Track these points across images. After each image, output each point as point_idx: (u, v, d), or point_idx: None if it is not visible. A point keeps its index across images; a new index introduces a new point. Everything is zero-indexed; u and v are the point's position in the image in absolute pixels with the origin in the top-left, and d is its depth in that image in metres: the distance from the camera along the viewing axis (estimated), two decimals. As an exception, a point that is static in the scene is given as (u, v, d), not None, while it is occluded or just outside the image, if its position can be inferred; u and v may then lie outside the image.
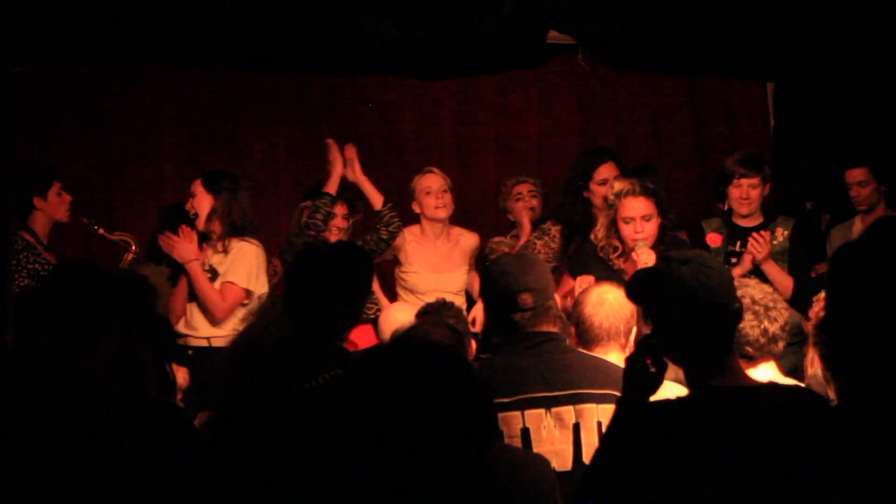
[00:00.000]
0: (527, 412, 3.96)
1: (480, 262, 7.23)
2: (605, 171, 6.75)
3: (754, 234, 6.45)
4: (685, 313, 3.23)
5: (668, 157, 8.74)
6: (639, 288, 3.40)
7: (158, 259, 7.24)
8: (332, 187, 6.91)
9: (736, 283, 3.51)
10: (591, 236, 6.29)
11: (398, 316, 4.75)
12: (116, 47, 7.57)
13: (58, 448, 3.27)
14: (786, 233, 6.62)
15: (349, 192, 7.01)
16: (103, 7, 6.84)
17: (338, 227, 6.86)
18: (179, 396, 5.30)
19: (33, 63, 7.50)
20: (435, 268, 7.15)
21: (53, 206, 6.87)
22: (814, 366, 4.24)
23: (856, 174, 7.57)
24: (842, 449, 2.32)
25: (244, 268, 6.57)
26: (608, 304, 4.48)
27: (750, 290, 4.12)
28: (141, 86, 8.16)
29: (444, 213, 7.13)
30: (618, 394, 3.90)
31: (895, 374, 2.25)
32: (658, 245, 6.05)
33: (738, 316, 3.34)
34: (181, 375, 5.47)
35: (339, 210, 6.94)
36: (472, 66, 8.34)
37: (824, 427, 2.46)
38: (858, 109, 8.08)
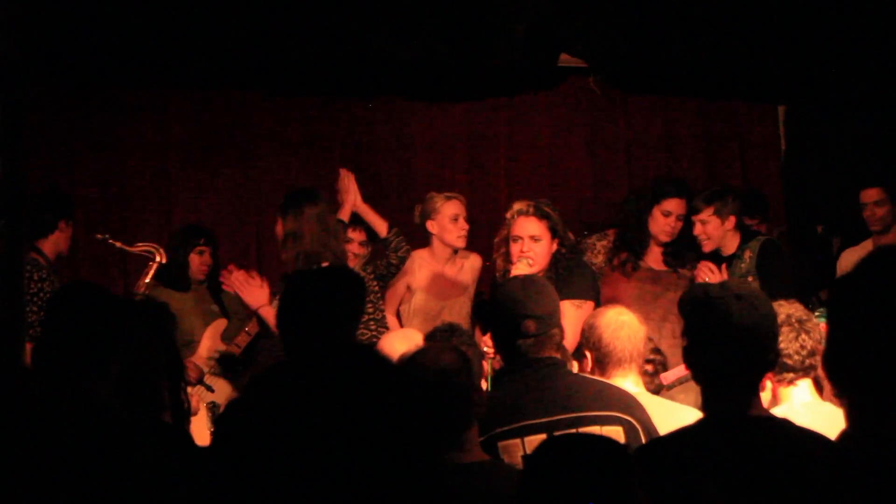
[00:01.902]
0: (527, 439, 3.93)
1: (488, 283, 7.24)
2: (674, 204, 6.78)
3: (701, 265, 6.60)
4: (720, 344, 3.30)
5: (679, 179, 8.74)
6: (689, 304, 3.44)
7: (173, 283, 7.22)
8: (344, 215, 6.91)
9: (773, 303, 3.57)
10: (491, 262, 6.39)
11: (396, 345, 4.75)
12: (131, 69, 7.61)
13: (58, 470, 3.29)
14: (751, 254, 6.73)
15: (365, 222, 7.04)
16: (118, 30, 6.88)
17: (354, 254, 6.85)
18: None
19: (49, 85, 7.55)
20: (442, 293, 7.15)
21: (66, 234, 6.89)
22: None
23: (871, 194, 7.56)
24: (847, 482, 2.33)
25: None
26: (627, 326, 4.53)
27: (784, 307, 4.16)
28: (155, 108, 8.19)
29: (463, 243, 7.15)
30: (621, 415, 3.95)
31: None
32: (552, 270, 6.06)
33: (770, 364, 3.42)
34: (193, 399, 5.49)
35: (357, 236, 6.96)
36: (484, 90, 8.36)
37: (829, 466, 2.48)
38: (870, 132, 8.08)
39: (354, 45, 7.24)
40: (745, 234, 6.90)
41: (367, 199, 7.72)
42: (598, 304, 6.06)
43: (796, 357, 4.18)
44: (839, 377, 2.39)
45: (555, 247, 6.14)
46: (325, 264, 6.26)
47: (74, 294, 3.80)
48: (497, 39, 7.33)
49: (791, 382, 4.22)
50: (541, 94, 8.60)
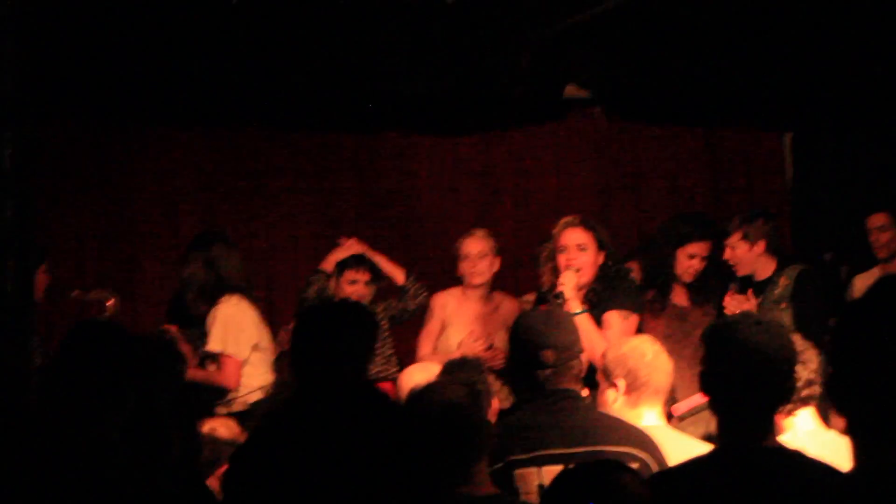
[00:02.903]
0: (543, 468, 3.93)
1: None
2: (698, 247, 6.80)
3: (729, 301, 6.59)
4: (737, 370, 3.29)
5: (686, 209, 8.73)
6: (709, 331, 3.46)
7: (178, 318, 7.25)
8: (327, 264, 7.09)
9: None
10: (538, 281, 6.42)
11: (415, 376, 4.76)
12: (139, 107, 7.67)
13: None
14: (787, 281, 6.73)
15: (370, 260, 7.09)
16: (126, 68, 6.93)
17: (358, 294, 6.87)
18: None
19: (56, 122, 7.58)
20: (474, 331, 7.12)
21: (41, 283, 6.78)
22: None
23: (876, 219, 7.53)
24: None
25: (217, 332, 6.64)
26: (662, 357, 4.54)
27: None
28: (162, 143, 8.20)
29: (478, 280, 7.02)
30: (636, 452, 3.94)
31: None
32: (599, 282, 6.10)
33: (787, 394, 3.41)
34: (231, 427, 5.49)
35: (361, 277, 7.01)
36: (490, 122, 8.39)
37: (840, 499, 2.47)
38: (876, 159, 8.08)
39: (361, 80, 7.28)
40: (783, 260, 6.89)
41: (374, 232, 7.76)
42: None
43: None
44: (843, 404, 2.39)
45: (601, 259, 6.15)
46: (224, 298, 6.61)
47: (88, 332, 3.80)
48: (502, 72, 7.36)
49: (789, 413, 4.22)
50: (547, 125, 8.62)
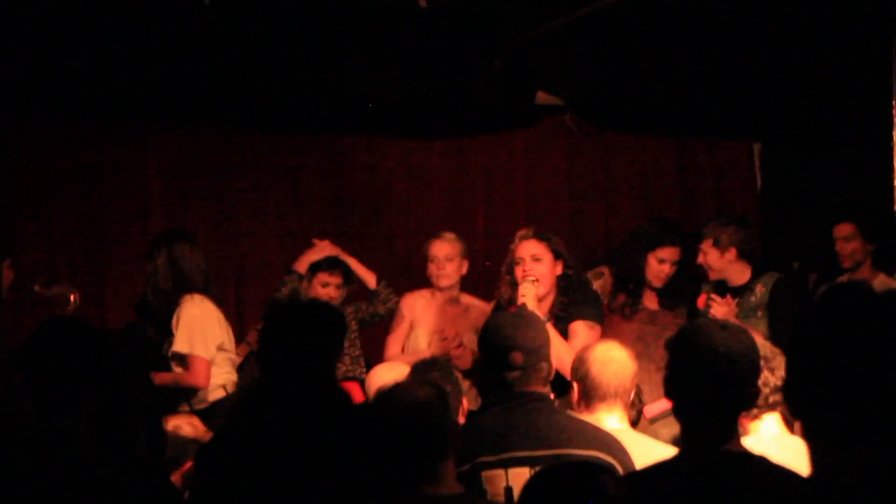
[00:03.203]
0: (510, 470, 3.94)
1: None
2: (668, 252, 6.89)
3: (712, 296, 6.68)
4: (701, 372, 3.31)
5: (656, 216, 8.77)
6: (674, 336, 3.47)
7: (148, 318, 7.26)
8: (300, 265, 7.12)
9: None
10: (496, 293, 6.47)
11: (383, 375, 4.77)
12: (108, 106, 7.65)
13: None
14: (763, 289, 6.80)
15: (343, 263, 7.12)
16: (97, 67, 6.92)
17: (329, 297, 6.91)
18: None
19: (23, 121, 7.56)
20: (441, 332, 7.14)
21: (5, 278, 6.73)
22: None
23: (842, 229, 7.56)
24: None
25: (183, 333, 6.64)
26: (616, 362, 4.54)
27: None
28: (131, 143, 8.17)
29: (444, 283, 7.08)
30: (603, 456, 3.96)
31: (852, 437, 2.28)
32: (562, 293, 6.18)
33: (750, 399, 3.42)
34: (195, 425, 5.49)
35: (333, 280, 7.06)
36: (461, 127, 8.41)
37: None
38: (845, 169, 8.13)
39: (333, 82, 7.29)
40: (758, 267, 6.95)
41: (345, 234, 7.77)
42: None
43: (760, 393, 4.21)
44: (798, 408, 2.42)
45: (559, 269, 6.23)
46: (186, 297, 6.63)
47: (55, 328, 3.79)
48: (474, 78, 7.39)
49: (756, 417, 4.26)
50: (518, 131, 8.64)
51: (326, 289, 7.03)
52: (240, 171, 8.37)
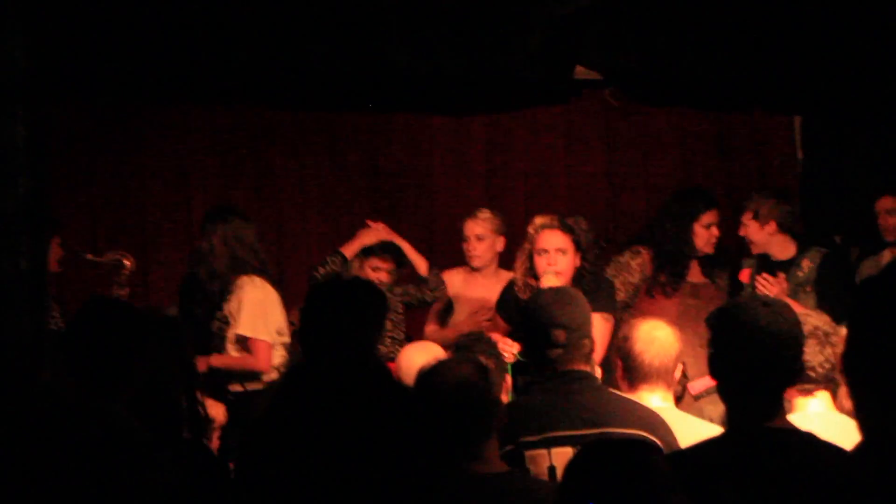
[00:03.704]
0: (553, 450, 3.96)
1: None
2: (711, 216, 6.92)
3: (758, 278, 6.63)
4: (745, 350, 3.30)
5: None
6: (716, 313, 3.46)
7: (193, 297, 7.29)
8: (347, 249, 7.01)
9: (799, 312, 3.58)
10: (513, 273, 6.45)
11: (414, 356, 4.77)
12: (150, 85, 7.66)
13: (75, 487, 3.30)
14: (811, 265, 6.76)
15: (396, 248, 7.07)
16: (137, 46, 6.93)
17: (379, 281, 6.88)
18: (217, 434, 5.35)
19: (69, 102, 7.59)
20: (481, 309, 7.14)
21: (54, 255, 6.72)
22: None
23: (885, 203, 7.54)
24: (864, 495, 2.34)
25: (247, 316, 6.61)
26: (659, 342, 4.50)
27: (811, 319, 4.17)
28: (173, 123, 8.22)
29: (477, 263, 7.12)
30: (647, 435, 3.96)
31: None
32: (576, 284, 6.07)
33: (795, 375, 3.41)
34: (220, 412, 5.52)
35: (385, 265, 7.01)
36: (500, 103, 8.37)
37: (847, 480, 2.49)
38: (886, 142, 8.07)
39: (371, 59, 7.27)
40: (802, 242, 6.91)
41: (385, 212, 7.76)
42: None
43: (820, 370, 4.19)
44: (856, 380, 2.40)
45: (578, 261, 6.20)
46: (245, 279, 6.56)
47: (96, 309, 3.81)
48: (512, 53, 7.35)
49: (810, 393, 4.22)
50: (556, 107, 8.61)
51: (377, 273, 6.96)
52: (279, 149, 8.40)
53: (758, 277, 6.68)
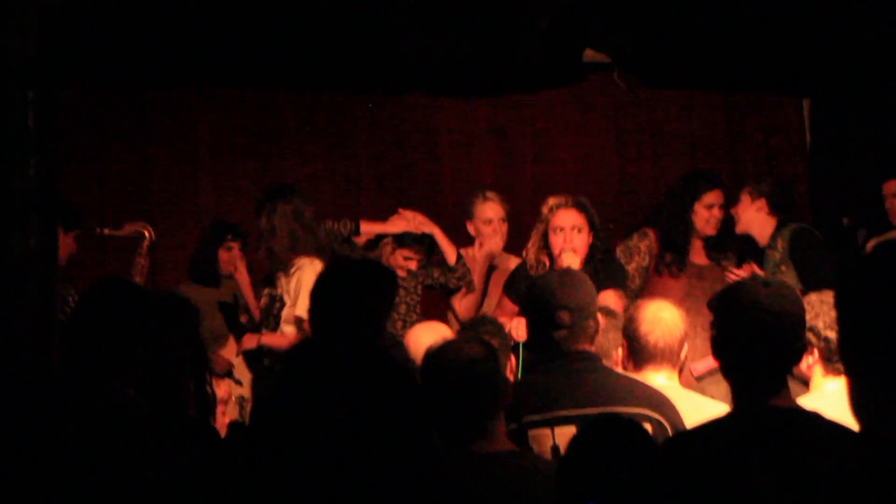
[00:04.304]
0: (557, 429, 3.95)
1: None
2: (714, 196, 6.97)
3: (728, 273, 6.68)
4: (747, 331, 3.30)
5: (704, 173, 8.73)
6: (718, 296, 3.47)
7: (203, 279, 7.33)
8: (367, 225, 7.03)
9: (817, 298, 3.58)
10: (523, 253, 6.52)
11: (422, 336, 4.79)
12: (158, 69, 7.69)
13: (82, 466, 3.33)
14: (784, 244, 6.79)
15: (430, 239, 7.04)
16: (146, 30, 6.95)
17: (408, 269, 6.89)
18: (221, 409, 5.38)
19: (78, 85, 7.61)
20: (485, 291, 7.16)
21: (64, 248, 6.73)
22: None
23: (892, 186, 7.54)
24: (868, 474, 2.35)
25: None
26: (664, 322, 4.50)
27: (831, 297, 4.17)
28: (182, 107, 8.24)
29: (502, 244, 7.17)
30: (651, 413, 3.97)
31: None
32: (588, 264, 6.21)
33: (797, 354, 3.40)
34: (223, 389, 5.54)
35: (416, 256, 6.99)
36: (508, 85, 8.38)
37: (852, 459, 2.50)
38: (895, 124, 8.06)
39: (380, 42, 7.28)
40: (780, 224, 6.94)
41: (392, 194, 7.78)
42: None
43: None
44: (848, 361, 2.41)
45: (591, 240, 6.29)
46: (305, 260, 6.48)
47: (105, 289, 3.83)
48: (521, 36, 7.36)
49: (836, 371, 4.17)
50: (565, 89, 8.61)
51: (408, 262, 6.94)
52: (288, 131, 8.41)
53: (729, 269, 6.72)
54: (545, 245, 6.34)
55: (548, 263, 6.33)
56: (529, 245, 6.47)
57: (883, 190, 7.51)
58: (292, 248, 6.58)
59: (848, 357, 2.39)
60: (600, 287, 6.11)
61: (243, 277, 7.11)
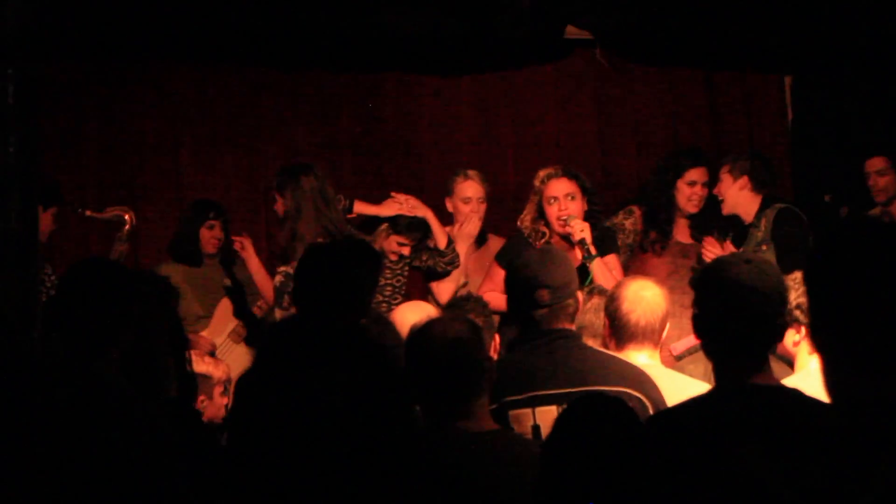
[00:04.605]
0: (538, 409, 3.96)
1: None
2: (697, 173, 6.98)
3: (704, 243, 6.74)
4: (728, 307, 3.29)
5: (686, 150, 8.73)
6: (699, 273, 3.47)
7: (185, 258, 7.29)
8: (360, 207, 7.04)
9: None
10: (518, 222, 6.59)
11: (408, 315, 4.78)
12: (139, 46, 7.65)
13: (62, 446, 3.31)
14: (767, 223, 6.80)
15: (424, 224, 7.01)
16: (127, 5, 6.92)
17: (400, 253, 6.88)
18: (220, 389, 5.38)
19: (59, 62, 7.57)
20: (465, 270, 7.15)
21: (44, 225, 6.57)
22: None
23: (875, 163, 7.55)
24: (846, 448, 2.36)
25: None
26: (646, 301, 4.48)
27: None
28: (163, 85, 8.19)
29: (479, 225, 7.16)
30: (632, 391, 3.96)
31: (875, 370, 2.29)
32: (594, 229, 6.36)
33: (779, 331, 3.40)
34: (222, 369, 5.54)
35: (410, 241, 6.95)
36: (490, 62, 8.36)
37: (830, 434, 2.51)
38: (877, 101, 8.07)
39: (361, 19, 7.26)
40: (765, 202, 6.94)
41: (373, 173, 7.76)
42: None
43: None
44: (818, 339, 2.42)
45: (586, 205, 6.42)
46: (319, 239, 6.38)
47: (87, 270, 3.81)
48: (503, 12, 7.34)
49: None
50: (547, 66, 8.60)
51: (402, 247, 6.92)
52: (268, 111, 8.37)
53: (704, 241, 6.73)
54: (541, 216, 6.45)
55: (547, 233, 6.42)
56: (524, 216, 6.55)
57: (865, 167, 7.52)
58: (323, 230, 6.48)
59: (819, 334, 2.40)
60: (604, 252, 6.30)
61: (251, 256, 6.94)
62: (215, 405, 5.37)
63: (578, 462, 2.89)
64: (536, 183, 6.49)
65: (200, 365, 5.33)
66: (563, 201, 6.36)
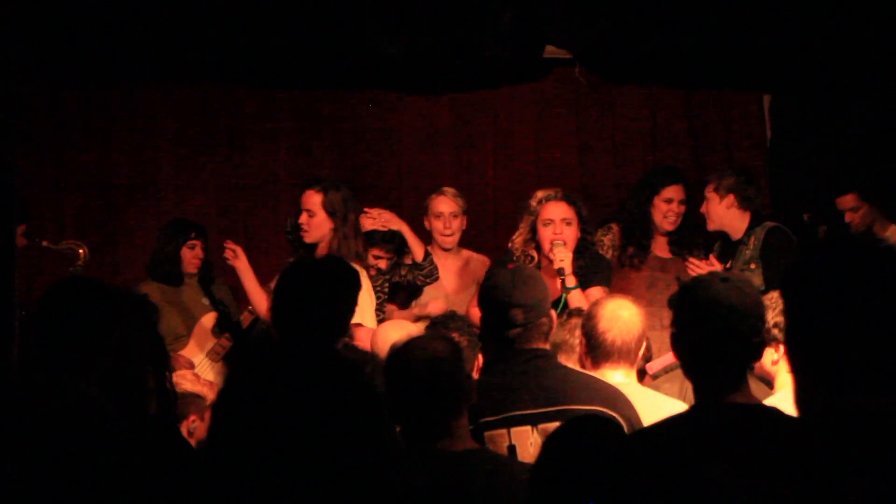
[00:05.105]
0: (513, 429, 3.94)
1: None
2: (673, 191, 6.96)
3: (689, 261, 6.72)
4: (706, 328, 3.30)
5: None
6: (677, 292, 3.47)
7: (164, 277, 7.27)
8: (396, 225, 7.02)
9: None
10: (509, 244, 6.56)
11: (389, 333, 4.78)
12: (119, 65, 7.64)
13: (43, 464, 3.30)
14: (756, 241, 6.80)
15: (399, 237, 7.00)
16: (108, 26, 6.91)
17: (378, 267, 6.86)
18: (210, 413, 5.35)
19: (38, 80, 7.56)
20: (443, 287, 7.16)
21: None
22: None
23: (846, 201, 7.52)
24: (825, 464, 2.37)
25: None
26: (623, 320, 4.46)
27: None
28: (142, 102, 8.20)
29: (450, 242, 7.16)
30: (607, 411, 3.95)
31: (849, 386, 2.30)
32: (577, 259, 6.28)
33: (756, 350, 3.39)
34: (215, 390, 5.51)
35: (386, 255, 6.94)
36: (470, 81, 8.38)
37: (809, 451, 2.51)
38: (855, 120, 8.10)
39: (342, 38, 7.26)
40: (755, 219, 6.94)
41: (352, 189, 7.75)
42: None
43: None
44: (793, 356, 2.43)
45: (580, 233, 6.37)
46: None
47: (66, 288, 3.81)
48: (482, 32, 7.35)
49: None
50: (527, 85, 8.61)
51: (378, 261, 6.89)
52: (249, 128, 8.38)
53: (689, 259, 6.73)
54: (533, 237, 6.39)
55: (536, 256, 6.37)
56: (515, 236, 6.51)
57: (838, 206, 7.52)
58: (367, 242, 6.61)
59: (793, 351, 2.41)
60: (587, 283, 6.23)
61: (244, 265, 6.77)
62: (206, 426, 5.35)
63: (570, 485, 2.88)
64: (532, 203, 6.42)
65: (196, 385, 5.31)
66: (559, 225, 6.30)
